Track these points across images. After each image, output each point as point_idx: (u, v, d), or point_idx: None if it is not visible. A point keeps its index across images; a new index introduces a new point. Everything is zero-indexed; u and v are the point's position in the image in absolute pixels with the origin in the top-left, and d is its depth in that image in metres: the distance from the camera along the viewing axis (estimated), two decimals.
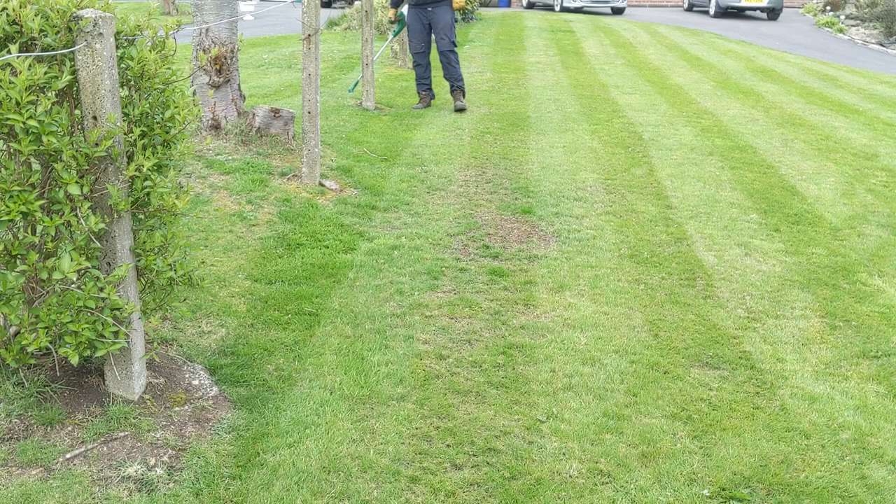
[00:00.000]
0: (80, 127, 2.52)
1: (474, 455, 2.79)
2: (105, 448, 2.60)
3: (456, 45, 8.50)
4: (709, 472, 2.75)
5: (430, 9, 8.31)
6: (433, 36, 8.51)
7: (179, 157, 2.82)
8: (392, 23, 9.49)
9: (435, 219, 5.18)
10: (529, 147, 7.16)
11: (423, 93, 8.73)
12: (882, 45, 18.65)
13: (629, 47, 15.43)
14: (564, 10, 24.93)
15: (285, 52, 12.26)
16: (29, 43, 2.39)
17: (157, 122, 2.72)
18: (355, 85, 8.89)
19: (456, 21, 8.65)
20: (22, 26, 2.34)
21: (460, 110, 8.48)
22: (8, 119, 2.26)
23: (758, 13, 24.98)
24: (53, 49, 2.41)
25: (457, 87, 8.59)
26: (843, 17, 22.79)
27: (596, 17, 22.53)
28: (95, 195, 2.56)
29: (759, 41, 18.07)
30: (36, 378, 2.75)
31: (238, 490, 2.52)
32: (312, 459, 2.69)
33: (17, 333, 2.60)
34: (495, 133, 7.65)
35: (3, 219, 2.33)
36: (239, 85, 5.91)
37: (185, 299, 3.64)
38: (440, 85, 9.41)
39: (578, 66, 12.51)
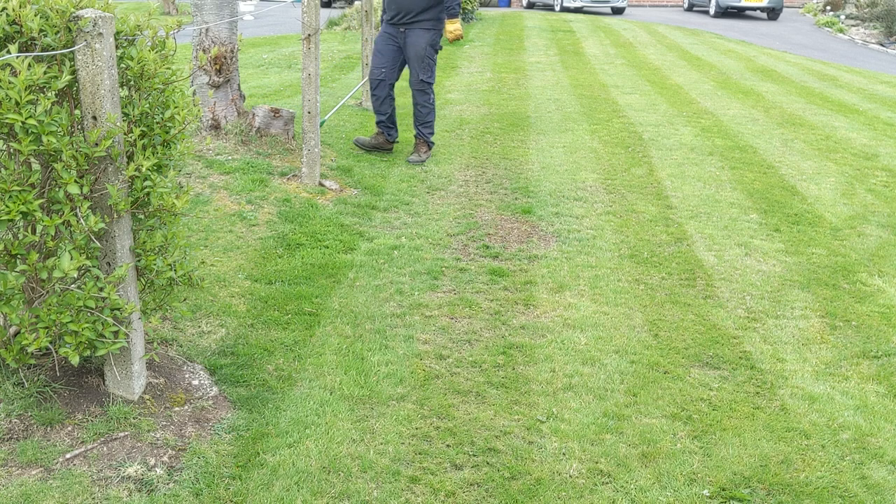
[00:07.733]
0: (79, 127, 2.52)
1: (474, 455, 2.79)
2: (105, 448, 2.60)
3: (430, 83, 6.39)
4: (709, 472, 2.75)
5: (402, 30, 6.35)
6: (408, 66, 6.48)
7: (179, 157, 2.82)
8: None
9: (435, 219, 5.18)
10: (529, 147, 7.16)
11: (378, 130, 6.63)
12: (882, 44, 18.65)
13: (629, 47, 15.42)
14: (564, 9, 24.96)
15: (285, 52, 12.26)
16: (28, 43, 2.39)
17: (157, 122, 2.72)
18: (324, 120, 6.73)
19: (438, 50, 6.41)
20: (21, 26, 2.34)
21: (415, 163, 6.44)
22: (7, 119, 2.26)
23: (758, 13, 24.99)
24: (53, 49, 2.41)
25: (420, 136, 6.54)
26: (843, 16, 22.79)
27: (596, 17, 22.52)
28: (95, 195, 2.56)
29: (759, 41, 18.07)
30: (36, 378, 2.75)
31: (238, 490, 2.52)
32: (312, 459, 2.69)
33: (17, 333, 2.60)
34: (495, 133, 7.65)
35: (2, 219, 2.32)
36: (239, 85, 5.91)
37: (185, 299, 3.64)
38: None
39: (578, 66, 12.50)
